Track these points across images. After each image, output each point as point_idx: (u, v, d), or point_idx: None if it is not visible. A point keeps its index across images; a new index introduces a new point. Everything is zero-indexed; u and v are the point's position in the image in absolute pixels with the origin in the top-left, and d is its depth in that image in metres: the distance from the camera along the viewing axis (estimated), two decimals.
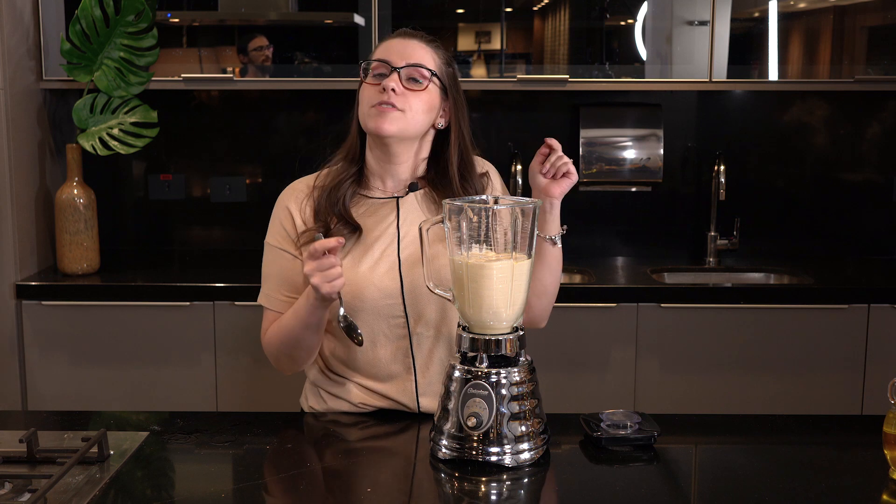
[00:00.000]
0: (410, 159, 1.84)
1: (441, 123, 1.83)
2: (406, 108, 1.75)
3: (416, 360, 1.82)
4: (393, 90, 1.74)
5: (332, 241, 1.62)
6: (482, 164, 1.92)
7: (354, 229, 1.80)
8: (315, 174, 1.88)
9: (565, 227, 1.82)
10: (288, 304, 1.82)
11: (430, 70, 1.77)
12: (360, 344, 1.71)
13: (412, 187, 1.85)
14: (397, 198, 1.84)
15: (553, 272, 1.86)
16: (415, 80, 1.76)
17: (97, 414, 1.88)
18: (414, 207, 1.84)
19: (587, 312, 2.94)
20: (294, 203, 1.84)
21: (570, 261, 3.32)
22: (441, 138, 1.85)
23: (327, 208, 1.80)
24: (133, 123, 3.03)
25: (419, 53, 1.78)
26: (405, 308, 1.79)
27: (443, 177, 1.84)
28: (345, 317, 1.70)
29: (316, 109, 3.42)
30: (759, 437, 1.74)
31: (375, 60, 1.78)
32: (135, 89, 3.02)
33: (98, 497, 1.45)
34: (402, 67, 1.76)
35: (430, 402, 1.82)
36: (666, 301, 2.93)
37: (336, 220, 1.80)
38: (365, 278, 1.77)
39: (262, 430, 1.73)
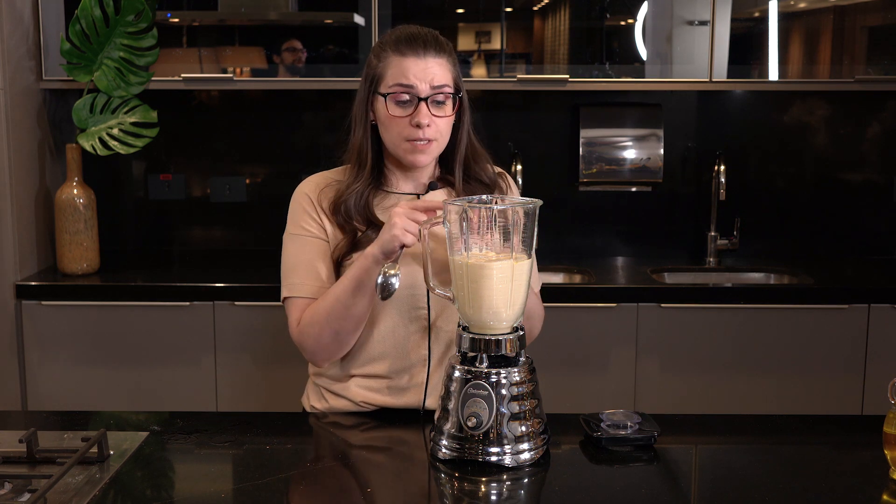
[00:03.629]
0: (430, 164, 1.86)
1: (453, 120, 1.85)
2: (438, 136, 1.78)
3: (431, 353, 1.82)
4: (427, 125, 1.75)
5: (436, 204, 1.65)
6: (497, 168, 1.94)
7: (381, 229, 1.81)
8: (331, 171, 1.89)
9: None
10: (321, 287, 1.80)
11: (452, 91, 1.78)
12: (382, 296, 1.67)
13: (431, 186, 1.86)
14: (418, 195, 1.86)
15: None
16: (440, 104, 1.77)
17: (97, 414, 1.88)
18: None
19: (587, 312, 2.94)
20: (313, 193, 1.84)
21: (571, 261, 3.33)
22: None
23: (347, 213, 1.80)
24: (133, 123, 3.03)
25: (439, 73, 1.77)
26: (428, 300, 1.80)
27: (451, 170, 1.86)
28: (388, 277, 1.66)
29: (316, 109, 3.42)
30: (759, 437, 1.74)
31: (397, 88, 1.75)
32: (135, 89, 3.02)
33: (98, 497, 1.45)
34: (427, 97, 1.75)
35: (434, 400, 1.82)
36: (666, 301, 2.93)
37: (365, 226, 1.80)
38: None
39: (262, 430, 1.73)
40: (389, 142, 1.80)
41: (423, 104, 1.74)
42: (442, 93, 1.76)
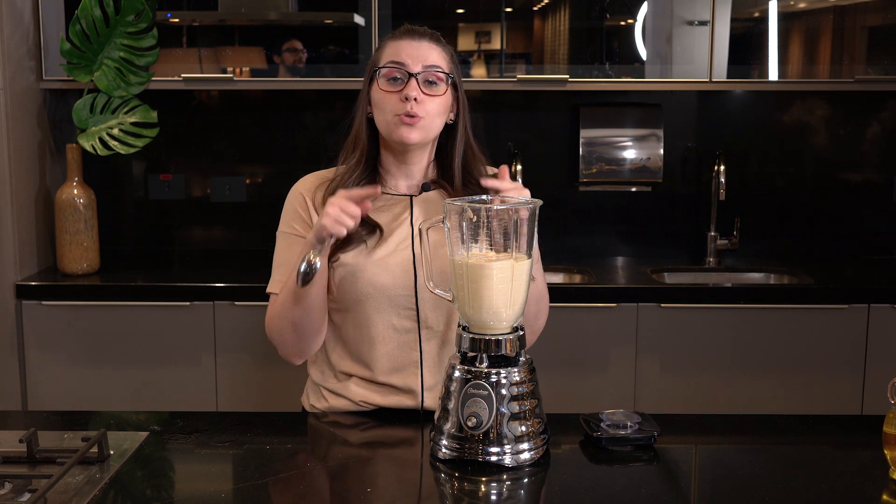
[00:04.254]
0: (424, 159, 1.87)
1: (451, 118, 1.85)
2: (426, 114, 1.77)
3: (423, 354, 1.82)
4: (415, 99, 1.75)
5: (368, 191, 1.63)
6: (492, 169, 1.93)
7: (373, 228, 1.81)
8: (327, 170, 1.90)
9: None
10: None
11: (445, 73, 1.79)
12: (301, 283, 1.62)
13: (425, 188, 1.86)
14: (411, 196, 1.86)
15: (530, 304, 1.82)
16: (432, 84, 1.78)
17: (97, 414, 1.88)
18: (427, 205, 1.86)
19: (587, 312, 2.94)
20: (307, 192, 1.85)
21: (570, 261, 3.33)
22: (445, 131, 1.87)
23: None
24: (133, 123, 3.03)
25: (433, 56, 1.79)
26: (417, 301, 1.80)
27: (450, 170, 1.86)
28: (311, 264, 1.61)
29: (316, 109, 3.42)
30: (759, 437, 1.74)
31: (390, 64, 1.78)
32: (135, 89, 3.02)
33: (98, 497, 1.45)
34: (419, 73, 1.76)
35: (433, 399, 1.82)
36: (666, 301, 2.93)
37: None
38: (379, 266, 1.78)
39: (262, 430, 1.73)
40: (381, 122, 1.80)
41: (413, 79, 1.76)
42: (433, 73, 1.77)
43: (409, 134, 1.77)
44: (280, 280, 1.83)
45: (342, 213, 1.63)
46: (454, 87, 1.82)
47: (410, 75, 1.76)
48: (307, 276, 1.61)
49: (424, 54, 1.78)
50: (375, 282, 1.78)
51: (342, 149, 1.88)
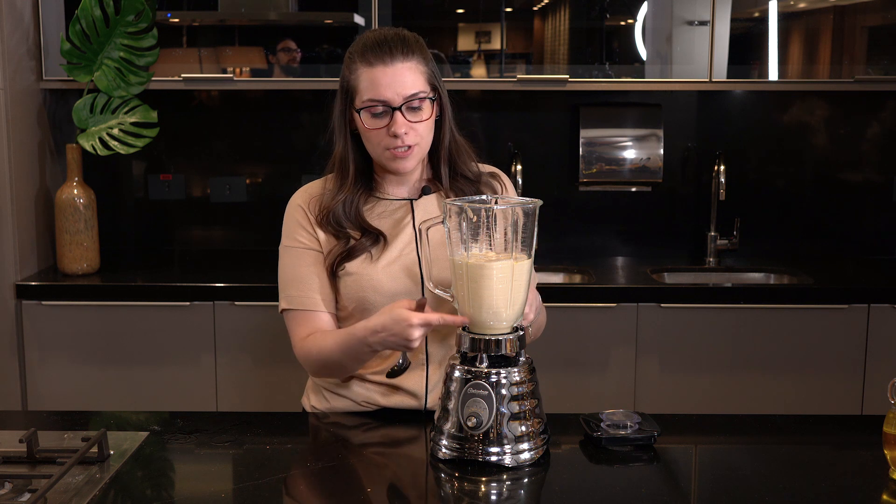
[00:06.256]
0: (419, 167, 1.86)
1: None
2: (417, 140, 1.77)
3: (429, 355, 1.82)
4: (405, 133, 1.74)
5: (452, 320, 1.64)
6: (490, 168, 1.94)
7: (377, 238, 1.81)
8: (321, 179, 1.89)
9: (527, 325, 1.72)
10: (317, 299, 1.80)
11: (427, 96, 1.76)
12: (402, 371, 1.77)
13: (425, 191, 1.86)
14: (411, 200, 1.86)
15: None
16: (416, 110, 1.75)
17: (97, 414, 1.88)
18: (428, 208, 1.85)
19: (587, 312, 2.94)
20: (306, 203, 1.84)
21: (570, 261, 3.33)
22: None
23: (337, 222, 1.80)
24: (133, 123, 3.03)
25: (409, 79, 1.74)
26: None
27: (437, 167, 1.86)
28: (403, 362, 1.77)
29: (315, 109, 3.42)
30: (759, 437, 1.74)
31: (370, 102, 1.74)
32: (135, 89, 3.02)
33: (98, 497, 1.45)
34: (401, 106, 1.73)
35: (435, 400, 1.82)
36: (666, 301, 2.93)
37: (360, 233, 1.80)
38: (384, 274, 1.78)
39: (262, 430, 1.74)
40: (372, 152, 1.80)
41: (397, 114, 1.73)
42: (416, 99, 1.75)
43: (404, 165, 1.78)
44: (295, 296, 1.81)
45: (416, 329, 1.62)
46: (435, 89, 1.81)
47: (394, 109, 1.73)
48: (402, 371, 1.79)
49: (401, 81, 1.73)
50: (381, 288, 1.78)
51: (328, 163, 1.87)
